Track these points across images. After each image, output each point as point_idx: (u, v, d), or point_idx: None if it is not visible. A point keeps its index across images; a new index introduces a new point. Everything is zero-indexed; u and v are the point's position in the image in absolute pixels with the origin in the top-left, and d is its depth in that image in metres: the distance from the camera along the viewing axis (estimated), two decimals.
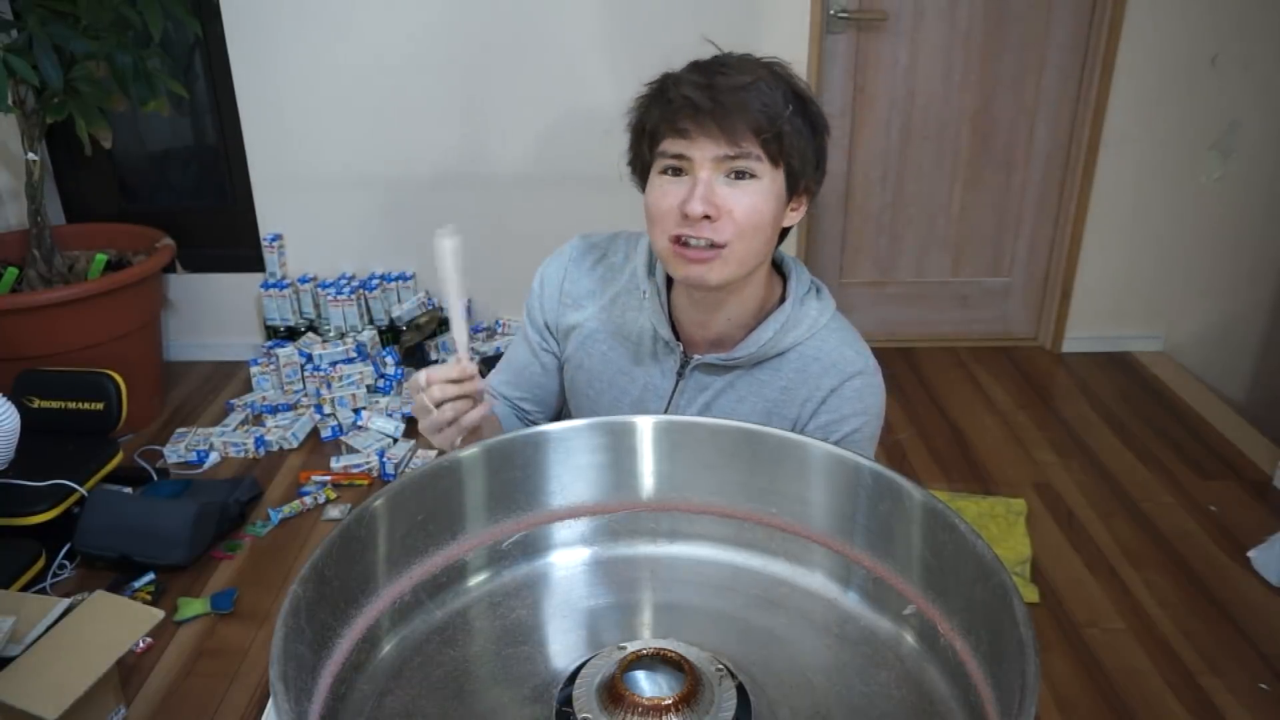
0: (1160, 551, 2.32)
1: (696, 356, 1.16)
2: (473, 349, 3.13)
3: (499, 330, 3.22)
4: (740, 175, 1.02)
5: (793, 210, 1.09)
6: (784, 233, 1.11)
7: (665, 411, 1.18)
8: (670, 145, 1.03)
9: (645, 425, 0.92)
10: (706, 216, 1.01)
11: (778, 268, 1.18)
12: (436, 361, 3.08)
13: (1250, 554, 2.26)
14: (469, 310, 3.24)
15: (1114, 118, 2.97)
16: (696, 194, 1.01)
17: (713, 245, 1.02)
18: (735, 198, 1.02)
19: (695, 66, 1.04)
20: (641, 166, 1.09)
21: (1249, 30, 2.86)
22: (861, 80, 3.02)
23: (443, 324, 3.20)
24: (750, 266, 1.07)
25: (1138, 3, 2.82)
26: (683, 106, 1.00)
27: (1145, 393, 3.05)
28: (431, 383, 0.99)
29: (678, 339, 1.17)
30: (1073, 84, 3.02)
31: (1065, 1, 2.92)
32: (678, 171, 1.03)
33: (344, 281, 3.12)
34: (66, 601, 1.85)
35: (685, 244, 1.03)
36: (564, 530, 0.93)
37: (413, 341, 3.10)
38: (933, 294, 3.32)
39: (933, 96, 3.03)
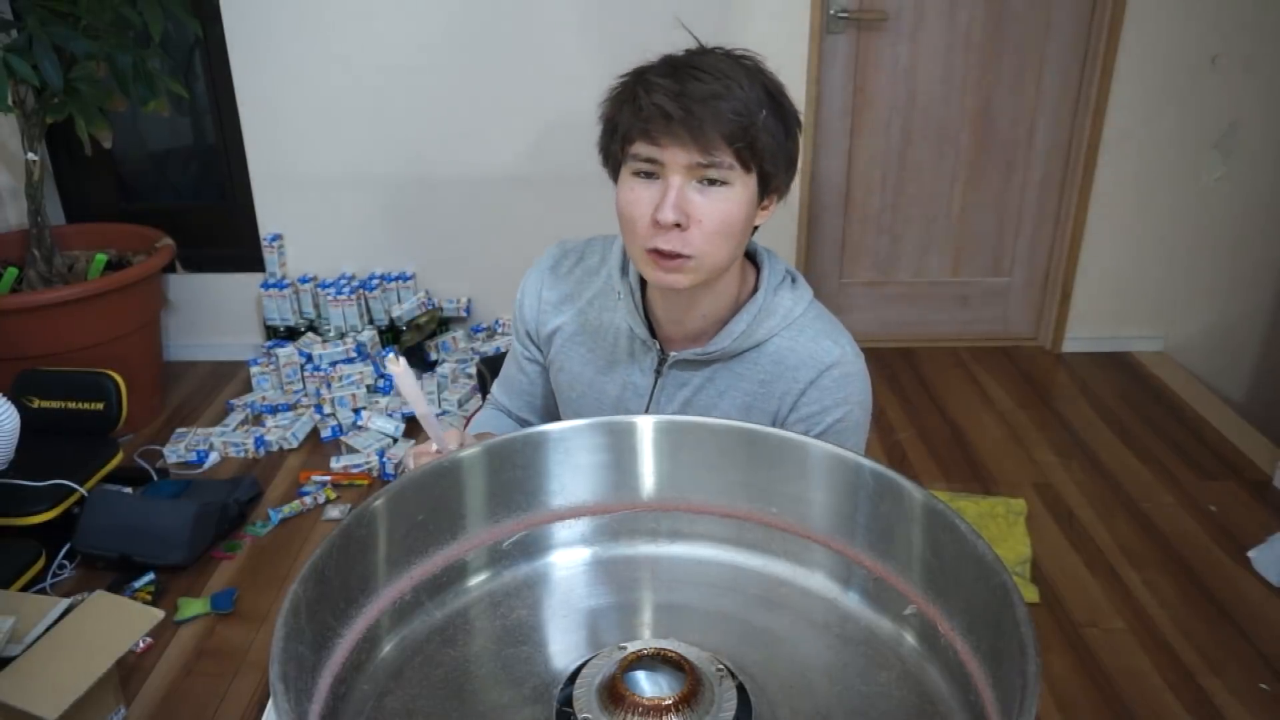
0: (1160, 551, 2.32)
1: (674, 353, 1.16)
2: (475, 351, 3.13)
3: (499, 330, 3.22)
4: (712, 182, 1.01)
5: (764, 210, 1.08)
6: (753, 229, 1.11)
7: (646, 409, 1.19)
8: (641, 149, 1.01)
9: (645, 425, 0.92)
10: (677, 224, 1.01)
11: (751, 259, 1.18)
12: (436, 363, 3.08)
13: (1250, 554, 2.27)
14: (469, 309, 3.24)
15: (1114, 118, 2.97)
16: (668, 200, 1.00)
17: (680, 255, 1.02)
18: (706, 206, 1.01)
19: (668, 68, 1.01)
20: (613, 162, 1.08)
21: (1250, 30, 2.86)
22: (861, 80, 3.02)
23: (442, 324, 3.20)
24: (721, 270, 1.07)
25: (1138, 3, 2.82)
26: (654, 115, 0.99)
27: (1145, 393, 3.05)
28: (420, 456, 1.01)
29: (654, 337, 1.17)
30: (1073, 84, 3.02)
31: (1065, 1, 2.92)
32: (649, 175, 1.02)
33: (344, 281, 3.11)
34: (66, 601, 1.85)
35: (659, 251, 1.03)
36: (564, 530, 0.93)
37: (413, 341, 3.10)
38: (933, 294, 3.32)
39: (933, 97, 3.03)
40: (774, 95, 1.02)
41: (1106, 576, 2.24)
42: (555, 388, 1.28)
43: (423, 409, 0.95)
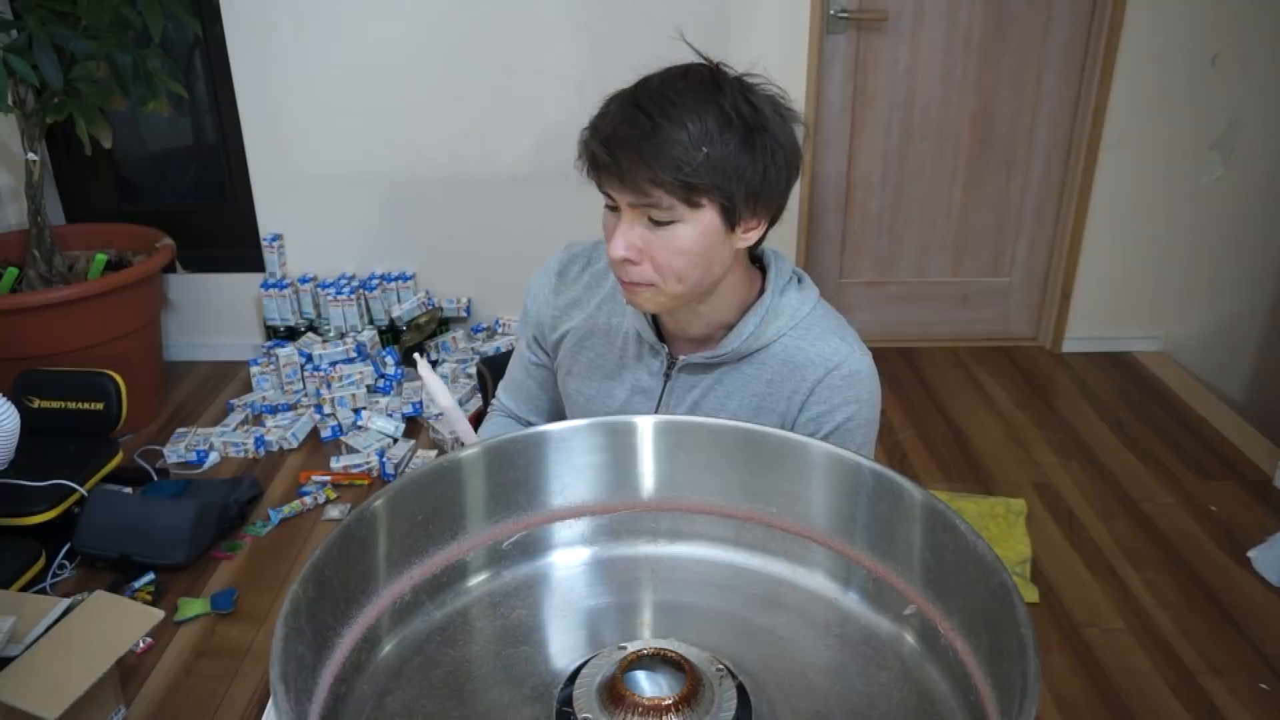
0: (1160, 551, 2.32)
1: (682, 357, 1.16)
2: (475, 351, 3.13)
3: (499, 330, 3.22)
4: (658, 221, 1.00)
5: (748, 232, 1.05)
6: (756, 243, 1.09)
7: (655, 412, 1.19)
8: (600, 185, 1.03)
9: (645, 425, 0.92)
10: (628, 259, 1.02)
11: (757, 260, 1.18)
12: (436, 363, 3.08)
13: (1250, 554, 2.26)
14: (469, 309, 3.24)
15: (1114, 118, 2.97)
16: (616, 236, 1.01)
17: (639, 284, 1.04)
18: (655, 242, 1.01)
19: (615, 104, 1.00)
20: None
21: (1249, 30, 2.86)
22: (861, 80, 3.01)
23: (442, 324, 3.20)
24: (695, 293, 1.07)
25: (1138, 3, 2.82)
26: (589, 159, 1.00)
27: (1145, 393, 3.05)
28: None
29: (662, 340, 1.17)
30: (1073, 84, 3.02)
31: (1065, 1, 2.92)
32: (614, 208, 1.03)
33: (344, 281, 3.11)
34: (66, 601, 1.85)
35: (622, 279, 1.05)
36: (564, 530, 0.93)
37: (413, 341, 3.09)
38: (933, 294, 3.32)
39: (933, 97, 3.03)
40: (734, 122, 0.97)
41: (1106, 576, 2.24)
42: (563, 391, 1.28)
43: (447, 402, 1.02)
